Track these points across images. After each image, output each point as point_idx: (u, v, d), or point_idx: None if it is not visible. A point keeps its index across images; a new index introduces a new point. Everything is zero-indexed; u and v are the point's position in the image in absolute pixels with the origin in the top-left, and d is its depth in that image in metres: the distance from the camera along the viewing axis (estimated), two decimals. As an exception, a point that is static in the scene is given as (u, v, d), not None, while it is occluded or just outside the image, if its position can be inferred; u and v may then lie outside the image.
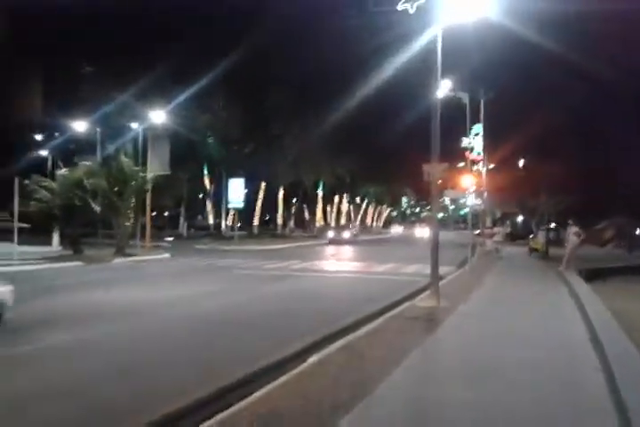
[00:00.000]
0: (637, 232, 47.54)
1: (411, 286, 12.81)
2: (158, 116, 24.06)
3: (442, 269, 19.18)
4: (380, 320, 8.10)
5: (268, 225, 62.02)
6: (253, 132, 46.30)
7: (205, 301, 10.60)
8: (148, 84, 31.51)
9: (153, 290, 12.40)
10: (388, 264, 19.94)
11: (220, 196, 47.95)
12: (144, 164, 24.72)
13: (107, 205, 22.23)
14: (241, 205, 38.22)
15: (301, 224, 67.35)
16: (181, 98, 34.25)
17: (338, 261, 23.04)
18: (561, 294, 11.20)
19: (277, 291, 12.41)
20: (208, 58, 37.08)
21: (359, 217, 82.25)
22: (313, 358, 5.62)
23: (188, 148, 41.73)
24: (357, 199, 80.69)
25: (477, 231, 39.17)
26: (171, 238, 41.06)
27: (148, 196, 25.29)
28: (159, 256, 23.85)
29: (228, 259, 22.37)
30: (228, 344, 6.91)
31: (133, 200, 22.61)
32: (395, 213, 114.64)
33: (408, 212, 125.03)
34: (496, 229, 22.94)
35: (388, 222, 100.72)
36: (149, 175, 23.22)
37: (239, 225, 54.95)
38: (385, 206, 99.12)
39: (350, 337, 6.77)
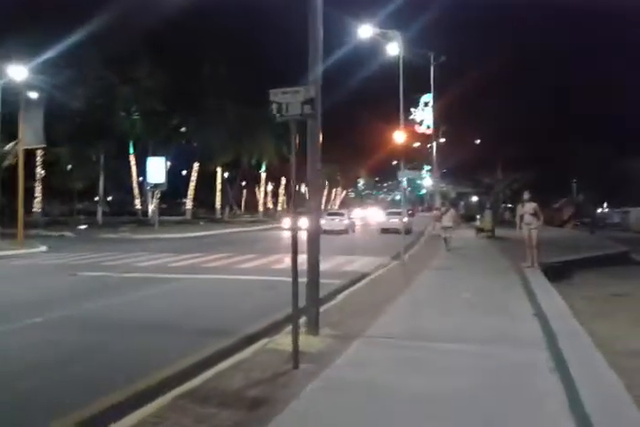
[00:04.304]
0: (598, 211, 45.12)
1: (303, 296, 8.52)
2: (18, 72, 18.57)
3: (374, 262, 15.41)
4: (145, 412, 3.79)
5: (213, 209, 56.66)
6: (185, 105, 40.72)
7: None
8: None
9: None
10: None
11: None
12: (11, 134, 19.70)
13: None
14: (162, 186, 33.30)
15: (254, 208, 62.65)
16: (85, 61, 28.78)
17: (246, 254, 18.21)
18: (522, 321, 6.67)
19: (82, 317, 7.73)
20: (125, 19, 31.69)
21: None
22: None
23: (102, 122, 36.25)
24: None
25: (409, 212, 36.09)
26: (84, 226, 35.79)
27: (21, 174, 20.18)
28: (29, 250, 19.01)
29: (120, 252, 17.65)
30: None
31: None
32: (353, 195, 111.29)
33: (364, 194, 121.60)
34: (443, 210, 18.64)
35: (344, 205, 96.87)
36: (7, 148, 18.10)
37: (185, 210, 50.11)
38: (340, 188, 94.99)
39: None
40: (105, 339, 6.29)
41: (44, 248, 19.75)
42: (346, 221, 30.14)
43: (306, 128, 6.28)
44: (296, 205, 5.36)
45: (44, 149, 33.99)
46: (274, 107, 4.93)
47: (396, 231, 25.31)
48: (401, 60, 13.53)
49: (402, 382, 4.44)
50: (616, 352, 5.28)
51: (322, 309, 7.76)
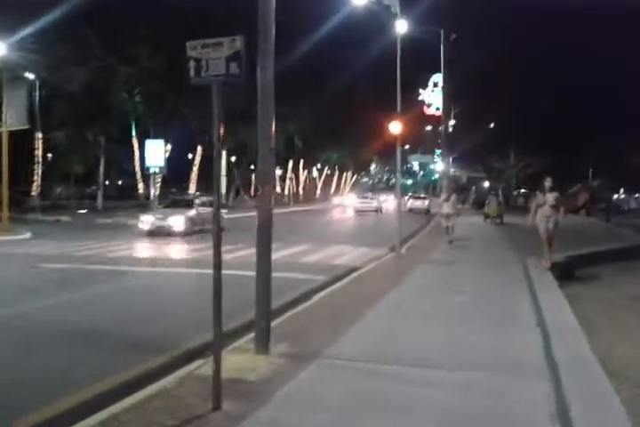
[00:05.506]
0: (614, 197, 43.40)
1: (276, 299, 7.41)
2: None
3: (369, 253, 14.21)
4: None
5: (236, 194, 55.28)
6: (186, 87, 39.27)
7: None
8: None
9: None
10: (295, 248, 14.54)
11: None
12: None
13: None
14: (158, 170, 32.24)
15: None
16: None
17: (232, 244, 17.10)
18: (522, 336, 5.43)
19: None
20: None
21: (320, 185, 76.74)
22: None
23: (102, 104, 35.16)
24: (319, 165, 74.79)
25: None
26: (83, 211, 35.16)
27: (5, 155, 19.19)
28: (11, 237, 18.08)
29: (102, 240, 16.63)
30: None
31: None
32: (365, 180, 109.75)
33: (376, 180, 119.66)
34: (445, 197, 17.08)
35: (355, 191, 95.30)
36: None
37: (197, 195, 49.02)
38: (350, 173, 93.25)
39: None
40: (8, 353, 5.24)
41: (27, 235, 18.89)
42: (375, 204, 38.41)
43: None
44: (218, 190, 4.15)
45: (43, 131, 33.46)
46: (191, 65, 3.77)
47: (421, 211, 34.73)
48: (399, 31, 12.18)
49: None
50: (635, 385, 4.14)
51: (290, 313, 6.72)
